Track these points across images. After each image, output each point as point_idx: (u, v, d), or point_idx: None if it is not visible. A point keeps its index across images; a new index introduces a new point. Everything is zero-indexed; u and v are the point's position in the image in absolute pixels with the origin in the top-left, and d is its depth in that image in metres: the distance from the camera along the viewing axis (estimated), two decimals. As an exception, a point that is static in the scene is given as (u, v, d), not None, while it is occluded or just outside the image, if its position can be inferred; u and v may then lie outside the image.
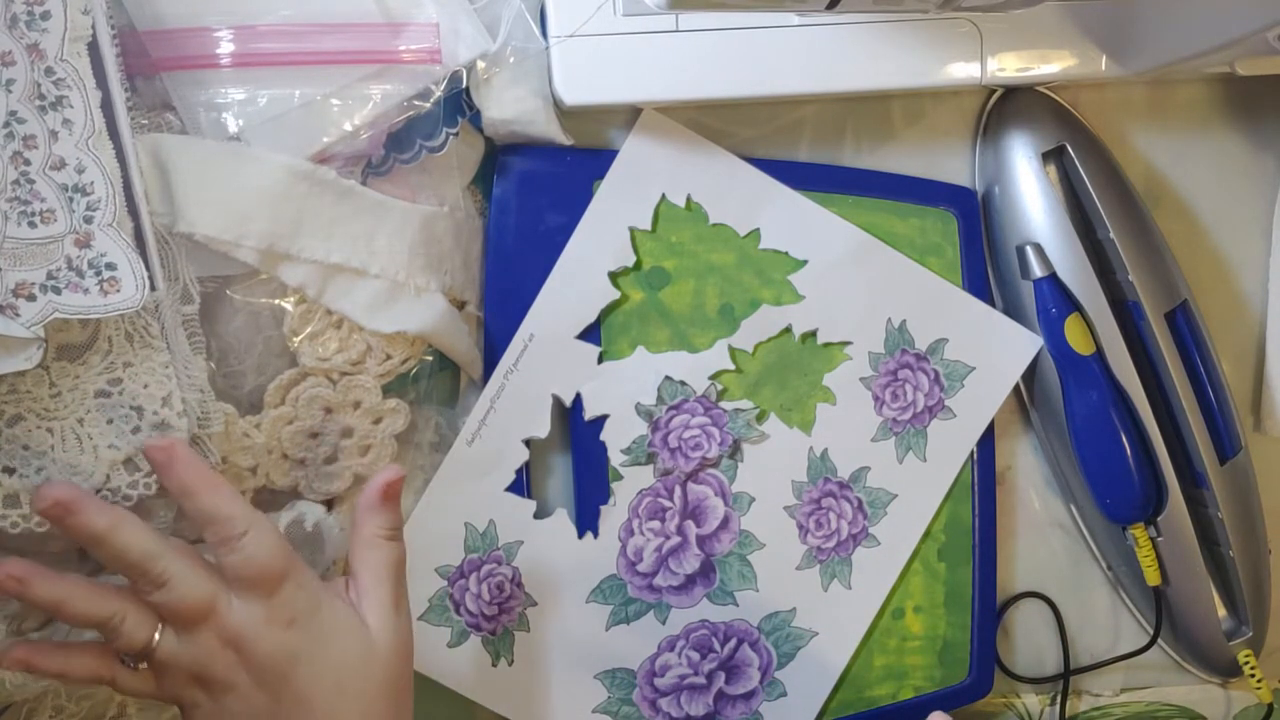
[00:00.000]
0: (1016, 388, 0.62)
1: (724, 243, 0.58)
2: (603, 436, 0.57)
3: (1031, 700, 0.64)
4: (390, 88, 0.51)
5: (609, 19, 0.54)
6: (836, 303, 0.59)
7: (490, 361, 0.56)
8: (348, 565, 0.48)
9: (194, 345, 0.48)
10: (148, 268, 0.45)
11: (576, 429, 0.57)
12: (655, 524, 0.58)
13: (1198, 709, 0.65)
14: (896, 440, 0.60)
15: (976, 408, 0.60)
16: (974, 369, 0.60)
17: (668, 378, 0.57)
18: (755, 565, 0.59)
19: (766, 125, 0.59)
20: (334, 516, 0.53)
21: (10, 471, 0.45)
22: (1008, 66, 0.57)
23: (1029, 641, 0.64)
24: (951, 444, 0.60)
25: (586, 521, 0.57)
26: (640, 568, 0.58)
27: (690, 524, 0.58)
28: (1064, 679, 0.63)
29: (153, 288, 0.46)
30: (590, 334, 0.57)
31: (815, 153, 0.60)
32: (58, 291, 0.44)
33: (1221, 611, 0.62)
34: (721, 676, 0.59)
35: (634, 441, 0.57)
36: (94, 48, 0.46)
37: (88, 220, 0.45)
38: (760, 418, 0.59)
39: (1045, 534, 0.64)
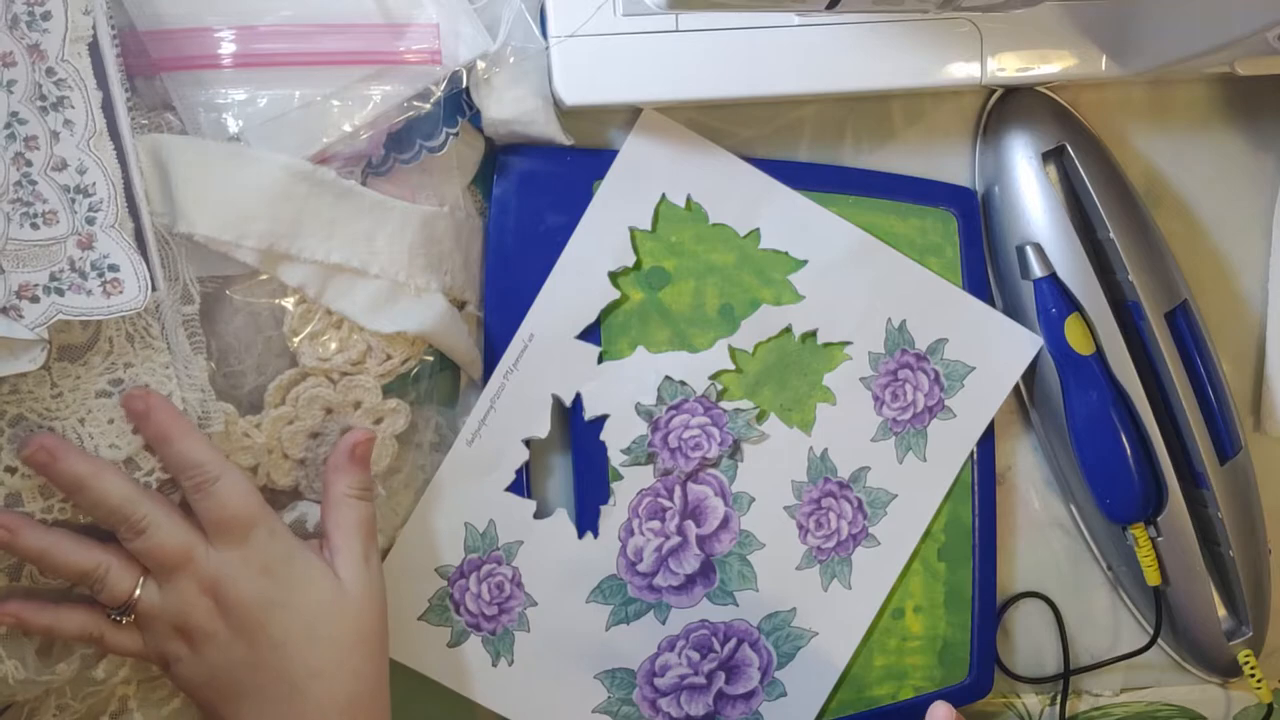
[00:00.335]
0: (1016, 388, 0.62)
1: (724, 243, 0.58)
2: (603, 436, 0.57)
3: (1031, 700, 0.64)
4: (390, 88, 0.51)
5: (609, 19, 0.54)
6: (836, 303, 0.59)
7: (490, 361, 0.56)
8: (324, 522, 0.50)
9: (194, 345, 0.48)
10: (149, 268, 0.46)
11: (576, 429, 0.57)
12: (655, 524, 0.58)
13: (1198, 709, 0.65)
14: (896, 440, 0.60)
15: (976, 408, 0.60)
16: (974, 369, 0.60)
17: (668, 378, 0.57)
18: (755, 565, 0.59)
19: (766, 125, 0.60)
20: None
21: (12, 471, 0.45)
22: (1008, 66, 0.57)
23: (1029, 641, 0.64)
24: (951, 444, 0.60)
25: (586, 521, 0.58)
26: (640, 568, 0.58)
27: (690, 524, 0.58)
28: (1064, 679, 0.63)
29: (154, 288, 0.46)
30: (590, 334, 0.57)
31: (815, 153, 0.60)
32: (61, 293, 0.44)
33: (1221, 611, 0.62)
34: (721, 676, 0.59)
35: (634, 441, 0.57)
36: (94, 48, 0.46)
37: (90, 221, 0.45)
38: (760, 418, 0.59)
39: (1045, 534, 0.64)
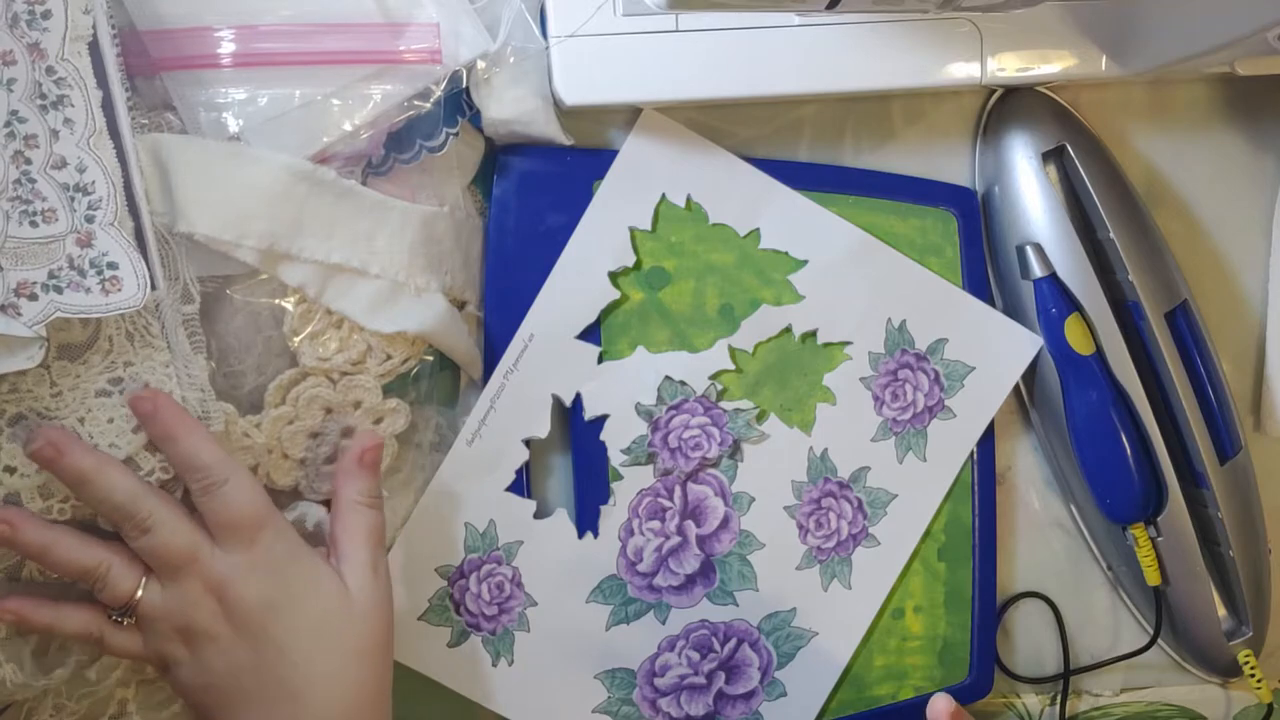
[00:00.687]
0: (1016, 388, 0.62)
1: (724, 243, 0.58)
2: (603, 436, 0.57)
3: (1031, 700, 0.64)
4: (390, 88, 0.51)
5: (609, 19, 0.54)
6: (836, 303, 0.59)
7: (490, 361, 0.56)
8: (332, 528, 0.49)
9: (194, 345, 0.48)
10: (148, 267, 0.46)
11: (576, 429, 0.57)
12: (655, 524, 0.58)
13: (1198, 709, 0.65)
14: (896, 440, 0.60)
15: (976, 408, 0.60)
16: (974, 369, 0.60)
17: (668, 378, 0.57)
18: (755, 565, 0.59)
19: (766, 125, 0.60)
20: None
21: (11, 471, 0.45)
22: (1008, 66, 0.57)
23: (1029, 641, 0.64)
24: (951, 444, 0.60)
25: (586, 521, 0.57)
26: (640, 568, 0.58)
27: (690, 524, 0.58)
28: (1064, 679, 0.63)
29: (153, 287, 0.46)
30: (590, 334, 0.57)
31: (815, 153, 0.60)
32: (59, 291, 0.44)
33: (1221, 611, 0.62)
34: (721, 676, 0.59)
35: (634, 441, 0.57)
36: (95, 47, 0.46)
37: (89, 219, 0.45)
38: (760, 418, 0.59)
39: (1045, 534, 0.64)
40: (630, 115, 0.57)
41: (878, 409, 0.59)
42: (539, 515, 0.57)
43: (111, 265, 0.45)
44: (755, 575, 0.59)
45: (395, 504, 0.55)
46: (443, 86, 0.52)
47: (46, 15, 0.45)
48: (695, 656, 0.58)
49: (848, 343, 0.59)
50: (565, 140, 0.56)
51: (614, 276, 0.57)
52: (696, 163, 0.57)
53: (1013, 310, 0.60)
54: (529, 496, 0.57)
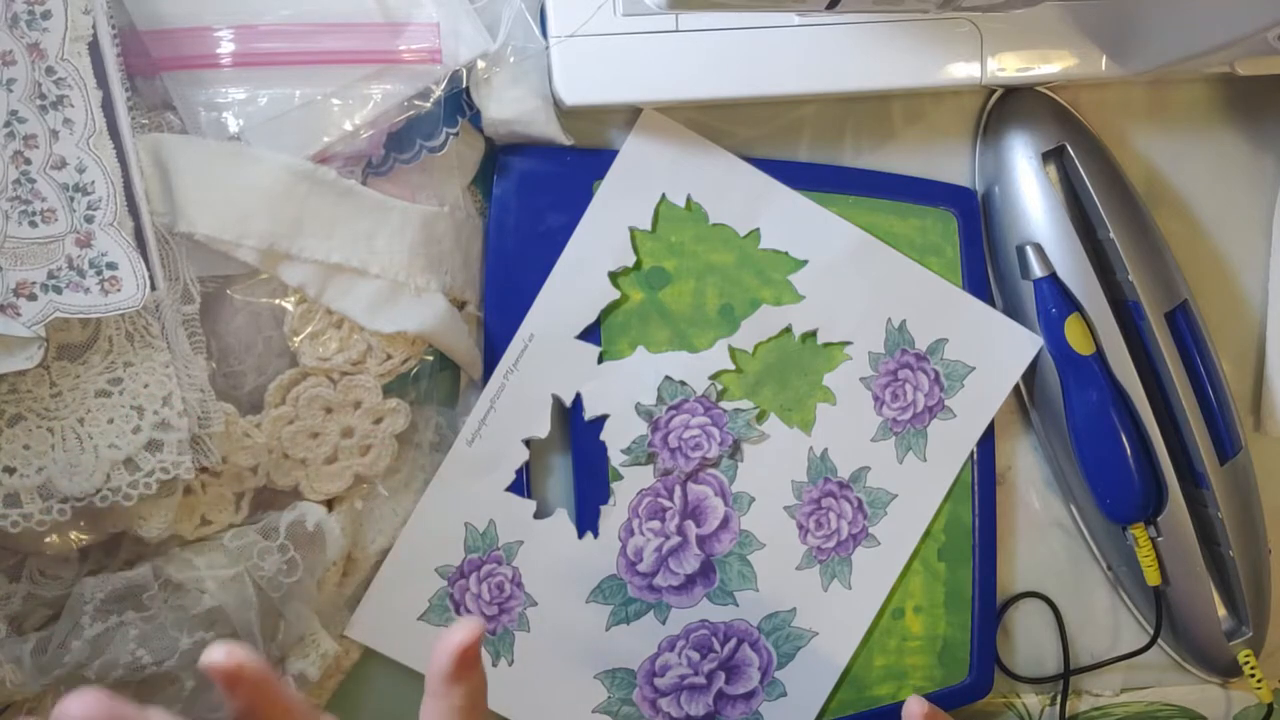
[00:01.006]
0: (1016, 388, 0.62)
1: (724, 243, 0.58)
2: (603, 436, 0.57)
3: (1031, 700, 0.64)
4: (390, 87, 0.51)
5: (609, 19, 0.54)
6: (836, 303, 0.59)
7: (490, 361, 0.56)
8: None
9: (194, 345, 0.48)
10: (148, 267, 0.46)
11: (576, 429, 0.57)
12: (655, 524, 0.58)
13: (1198, 709, 0.65)
14: (896, 440, 0.60)
15: (976, 408, 0.60)
16: (974, 369, 0.60)
17: (668, 378, 0.57)
18: (755, 565, 0.59)
19: (766, 125, 0.60)
20: (335, 516, 0.53)
21: (11, 471, 0.45)
22: (1008, 66, 0.57)
23: (1029, 641, 0.64)
24: (951, 444, 0.60)
25: (586, 521, 0.57)
26: (640, 568, 0.58)
27: (690, 524, 0.58)
28: (1064, 679, 0.63)
29: (153, 287, 0.46)
30: (590, 334, 0.57)
31: (815, 153, 0.60)
32: (59, 291, 0.44)
33: (1221, 611, 0.62)
34: (721, 676, 0.59)
35: (634, 441, 0.57)
36: (95, 47, 0.46)
37: (88, 220, 0.45)
38: (760, 418, 0.59)
39: (1045, 534, 0.64)
40: (630, 115, 0.57)
41: (878, 409, 0.59)
42: (539, 515, 0.57)
43: (111, 265, 0.45)
44: (755, 575, 0.59)
45: (395, 504, 0.55)
46: (443, 86, 0.52)
47: (46, 15, 0.45)
48: (695, 656, 0.58)
49: (848, 343, 0.59)
50: (565, 140, 0.56)
51: (614, 276, 0.57)
52: (696, 163, 0.57)
53: (1013, 310, 0.60)
54: (529, 496, 0.57)
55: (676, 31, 0.55)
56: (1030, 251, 0.59)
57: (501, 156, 0.56)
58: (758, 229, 0.58)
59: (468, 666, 0.39)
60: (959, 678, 0.61)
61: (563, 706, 0.58)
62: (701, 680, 0.59)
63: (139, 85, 0.48)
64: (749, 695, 0.59)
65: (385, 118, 0.51)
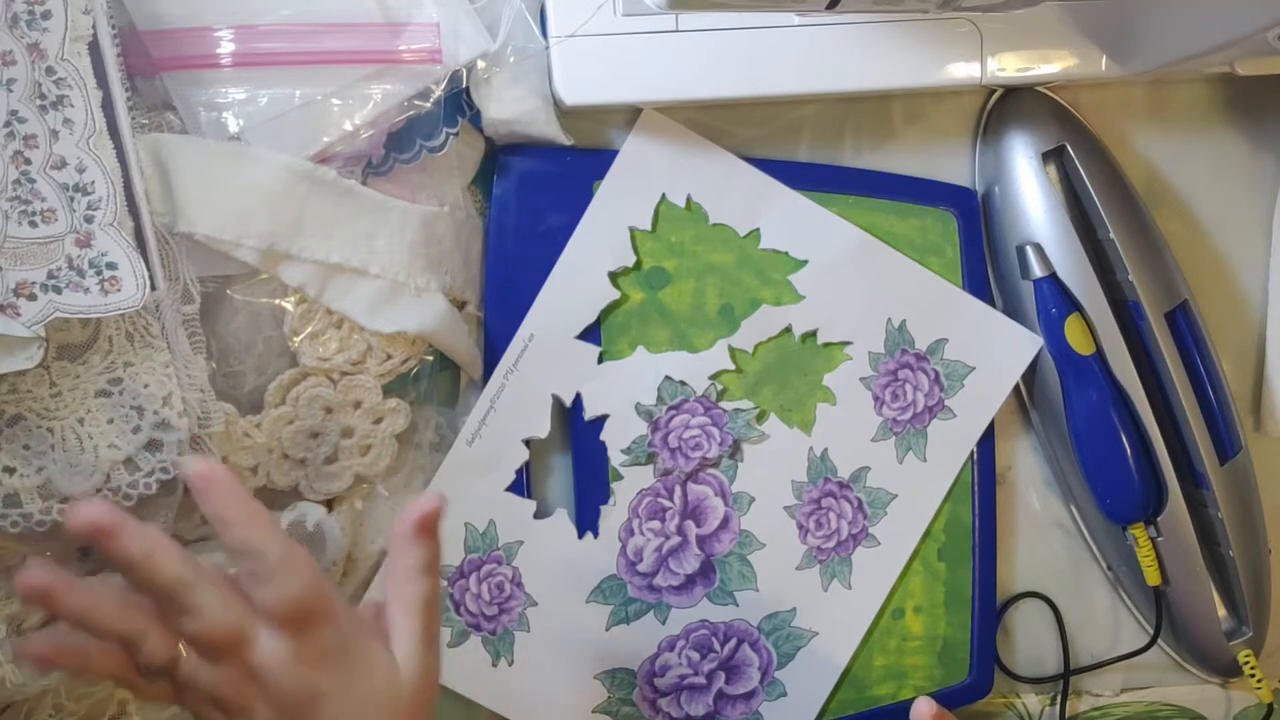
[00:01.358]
0: (1016, 388, 0.62)
1: (724, 243, 0.58)
2: (603, 436, 0.57)
3: (1031, 700, 0.64)
4: (390, 87, 0.51)
5: (609, 19, 0.54)
6: (836, 303, 0.59)
7: (490, 361, 0.56)
8: (385, 594, 0.47)
9: (194, 345, 0.48)
10: (148, 267, 0.46)
11: (576, 429, 0.57)
12: (655, 524, 0.58)
13: (1198, 709, 0.65)
14: (896, 440, 0.60)
15: (976, 408, 0.60)
16: (974, 369, 0.60)
17: (668, 378, 0.57)
18: (755, 565, 0.59)
19: (766, 125, 0.60)
20: (335, 516, 0.53)
21: (10, 471, 0.45)
22: (1008, 66, 0.57)
23: (1029, 641, 0.64)
24: (951, 444, 0.60)
25: (586, 521, 0.57)
26: (640, 568, 0.58)
27: (690, 524, 0.58)
28: (1064, 679, 0.63)
29: (153, 287, 0.46)
30: (590, 334, 0.57)
31: (815, 153, 0.60)
32: (58, 291, 0.44)
33: (1221, 611, 0.62)
34: (721, 676, 0.59)
35: (634, 441, 0.57)
36: (95, 47, 0.46)
37: (88, 220, 0.45)
38: (760, 418, 0.59)
39: (1045, 534, 0.64)
40: (630, 115, 0.57)
41: (878, 409, 0.59)
42: (539, 515, 0.57)
43: (110, 265, 0.45)
44: (755, 575, 0.59)
45: (395, 504, 0.55)
46: (443, 86, 0.52)
47: (46, 15, 0.45)
48: (695, 656, 0.58)
49: (848, 343, 0.59)
50: (565, 140, 0.56)
51: (614, 276, 0.57)
52: (696, 163, 0.57)
53: (1013, 310, 0.60)
54: (529, 496, 0.57)
55: (676, 31, 0.55)
56: (1030, 251, 0.59)
57: (501, 156, 0.56)
58: (758, 229, 0.58)
59: (425, 532, 0.45)
60: (959, 678, 0.61)
61: (563, 707, 0.58)
62: (701, 680, 0.59)
63: (139, 85, 0.48)
64: (749, 695, 0.59)
65: (385, 118, 0.51)
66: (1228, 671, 0.63)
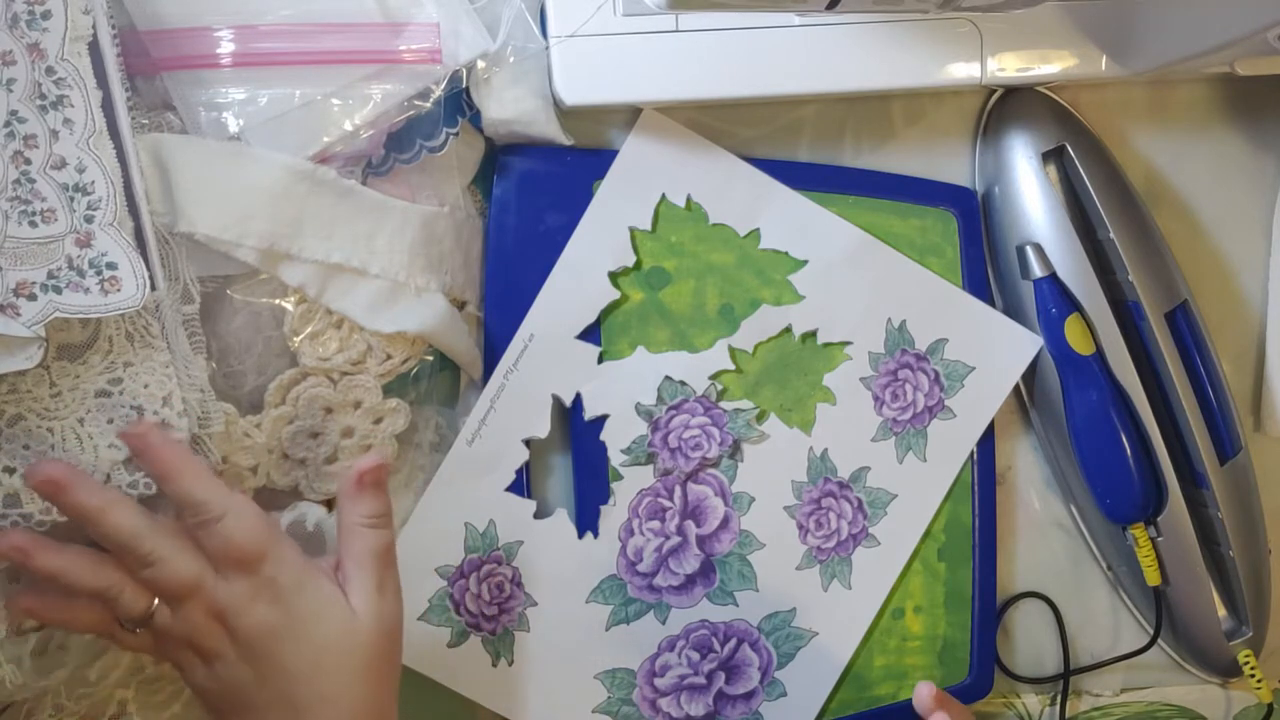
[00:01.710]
0: (1016, 388, 0.62)
1: (724, 243, 0.58)
2: (603, 436, 0.57)
3: (1031, 700, 0.64)
4: (390, 87, 0.51)
5: (609, 19, 0.54)
6: (836, 303, 0.59)
7: (490, 361, 0.56)
8: (338, 550, 0.49)
9: (194, 345, 0.48)
10: (148, 267, 0.46)
11: (576, 429, 0.57)
12: (655, 524, 0.58)
13: (1198, 709, 0.65)
14: (896, 440, 0.60)
15: (976, 408, 0.60)
16: (974, 369, 0.60)
17: (668, 378, 0.57)
18: (755, 565, 0.59)
19: (766, 125, 0.60)
20: (335, 516, 0.53)
21: (10, 471, 0.45)
22: (1008, 66, 0.57)
23: (1029, 641, 0.64)
24: (951, 444, 0.60)
25: (586, 521, 0.57)
26: (640, 568, 0.58)
27: (690, 524, 0.58)
28: (1064, 679, 0.63)
29: (153, 287, 0.46)
30: (590, 334, 0.57)
31: (815, 153, 0.60)
32: (58, 291, 0.44)
33: (1221, 611, 0.62)
34: (721, 676, 0.59)
35: (634, 441, 0.57)
36: (95, 47, 0.46)
37: (88, 220, 0.45)
38: (760, 418, 0.59)
39: (1045, 534, 0.64)
40: (630, 115, 0.57)
41: (878, 409, 0.59)
42: (539, 515, 0.57)
43: (110, 265, 0.45)
44: (755, 575, 0.59)
45: (395, 504, 0.55)
46: (443, 86, 0.52)
47: (46, 15, 0.45)
48: (695, 656, 0.58)
49: (848, 343, 0.59)
50: (565, 140, 0.56)
51: (614, 276, 0.57)
52: (696, 163, 0.57)
53: (1013, 310, 0.60)
54: (529, 496, 0.57)
55: (676, 31, 0.55)
56: (1030, 251, 0.59)
57: (501, 156, 0.56)
58: (758, 229, 0.58)
59: (369, 486, 0.48)
60: (959, 678, 0.61)
61: (563, 706, 0.58)
62: (701, 680, 0.59)
63: (139, 85, 0.48)
64: (749, 695, 0.59)
65: (385, 118, 0.51)
66: (1228, 671, 0.63)
